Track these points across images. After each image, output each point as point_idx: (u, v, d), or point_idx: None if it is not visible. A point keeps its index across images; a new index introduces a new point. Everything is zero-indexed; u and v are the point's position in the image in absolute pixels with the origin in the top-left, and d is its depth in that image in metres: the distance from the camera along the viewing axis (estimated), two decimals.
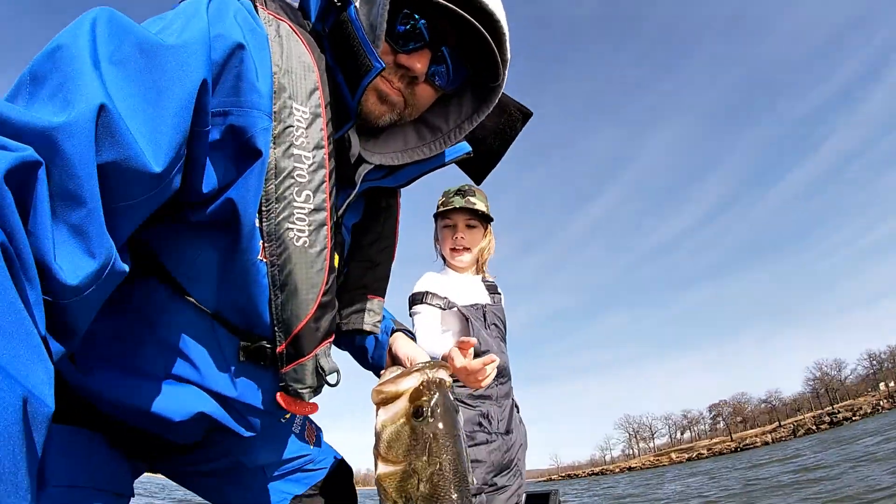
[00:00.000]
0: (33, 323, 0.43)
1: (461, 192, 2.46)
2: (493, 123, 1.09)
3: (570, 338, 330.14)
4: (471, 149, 1.01)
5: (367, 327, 1.02)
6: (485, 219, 2.45)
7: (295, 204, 0.79)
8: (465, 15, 0.80)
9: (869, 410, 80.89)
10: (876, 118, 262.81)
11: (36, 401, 0.38)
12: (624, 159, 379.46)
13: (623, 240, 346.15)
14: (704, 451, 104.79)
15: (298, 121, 0.78)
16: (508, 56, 0.88)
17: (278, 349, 0.86)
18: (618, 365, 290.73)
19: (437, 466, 0.75)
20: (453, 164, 1.05)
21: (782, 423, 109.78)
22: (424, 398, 0.78)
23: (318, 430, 1.29)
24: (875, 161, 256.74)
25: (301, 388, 0.90)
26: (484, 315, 2.34)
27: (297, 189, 0.79)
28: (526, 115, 1.11)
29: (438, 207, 2.52)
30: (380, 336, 1.19)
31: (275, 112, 0.75)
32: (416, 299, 2.28)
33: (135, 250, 0.77)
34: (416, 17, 0.83)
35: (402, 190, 1.09)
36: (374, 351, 1.21)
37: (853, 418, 79.01)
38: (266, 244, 0.79)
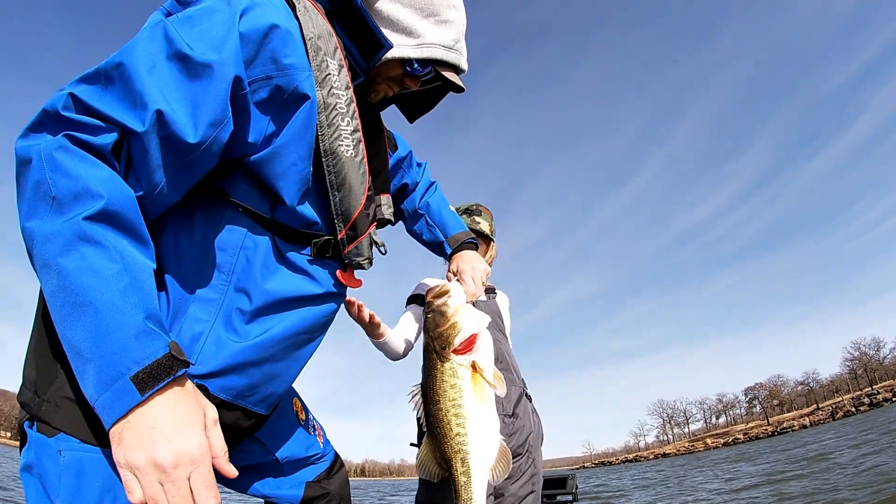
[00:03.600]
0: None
1: (468, 212, 2.61)
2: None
3: (602, 324, 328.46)
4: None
5: (386, 216, 1.36)
6: (488, 239, 2.58)
7: (342, 128, 1.08)
8: (447, 76, 1.22)
9: None
10: None
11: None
12: (654, 141, 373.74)
13: (654, 223, 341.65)
14: (740, 436, 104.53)
15: (332, 71, 1.07)
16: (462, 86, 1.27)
17: (339, 235, 1.14)
18: (651, 350, 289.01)
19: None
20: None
21: (820, 405, 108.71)
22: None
23: (322, 429, 1.64)
24: None
25: (362, 260, 1.21)
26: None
27: (340, 117, 1.08)
28: (458, 88, 1.33)
29: None
30: (421, 209, 1.74)
31: (317, 65, 1.04)
32: (410, 300, 2.47)
33: (220, 200, 1.04)
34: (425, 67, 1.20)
35: None
36: (427, 232, 1.76)
37: (893, 399, 78.23)
38: (325, 158, 1.07)
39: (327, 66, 1.05)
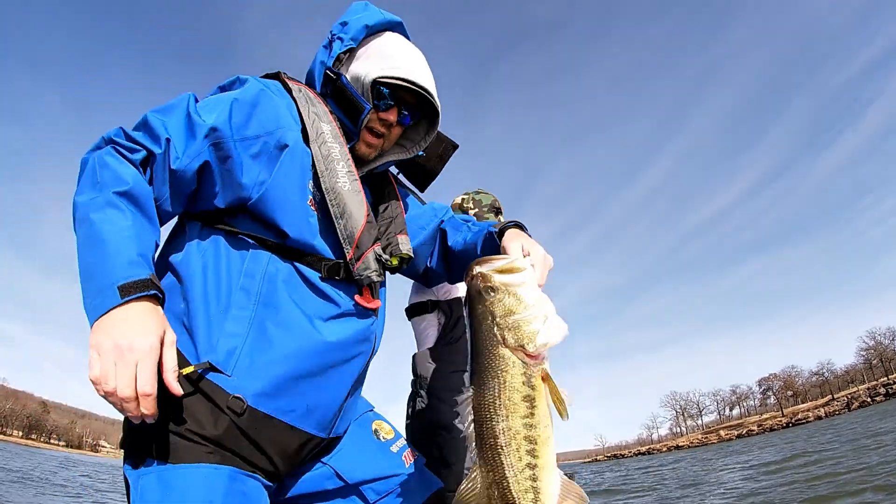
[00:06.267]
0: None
1: (475, 202, 2.71)
2: (433, 150, 1.66)
3: (616, 317, 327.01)
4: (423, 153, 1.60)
5: (404, 250, 1.45)
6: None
7: (338, 170, 1.32)
8: (414, 87, 1.39)
9: None
10: None
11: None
12: (668, 134, 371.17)
13: (668, 216, 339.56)
14: (754, 428, 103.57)
15: (325, 130, 1.36)
16: (439, 105, 1.47)
17: (348, 256, 1.32)
18: (664, 343, 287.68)
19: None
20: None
21: (835, 396, 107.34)
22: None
23: (416, 454, 1.56)
24: None
25: (370, 273, 1.33)
26: None
27: (336, 163, 1.33)
28: (454, 146, 1.69)
29: None
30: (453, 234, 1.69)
31: (311, 125, 1.34)
32: (415, 310, 2.46)
33: (235, 239, 1.30)
34: (386, 91, 1.40)
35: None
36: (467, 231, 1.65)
37: None
38: (327, 195, 1.30)
39: (321, 127, 1.35)
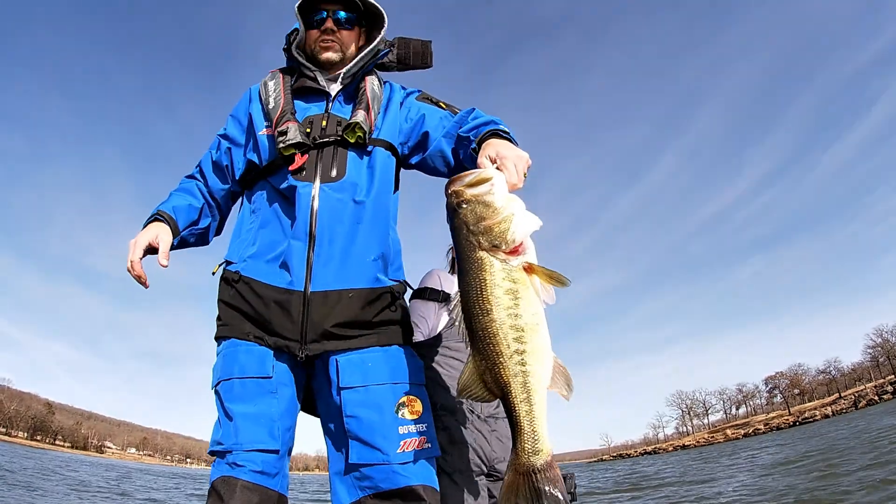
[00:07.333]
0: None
1: None
2: (403, 52, 2.01)
3: (621, 316, 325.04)
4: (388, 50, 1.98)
5: (354, 120, 1.77)
6: None
7: (271, 95, 1.83)
8: None
9: None
10: None
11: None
12: (672, 131, 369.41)
13: (673, 214, 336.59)
14: (761, 427, 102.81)
15: (269, 85, 1.88)
16: (381, 10, 1.85)
17: (272, 133, 1.79)
18: (670, 342, 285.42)
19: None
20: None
21: (842, 394, 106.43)
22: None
23: (429, 438, 1.61)
24: None
25: (289, 140, 1.70)
26: None
27: (271, 94, 1.84)
28: (423, 41, 2.03)
29: None
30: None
31: (264, 89, 1.89)
32: (414, 295, 2.47)
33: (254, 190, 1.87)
34: (311, 11, 1.85)
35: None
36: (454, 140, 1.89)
37: None
38: (271, 114, 1.81)
39: (269, 85, 1.88)
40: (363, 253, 1.68)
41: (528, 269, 1.21)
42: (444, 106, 1.92)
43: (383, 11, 1.85)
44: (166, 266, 1.72)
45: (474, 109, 1.80)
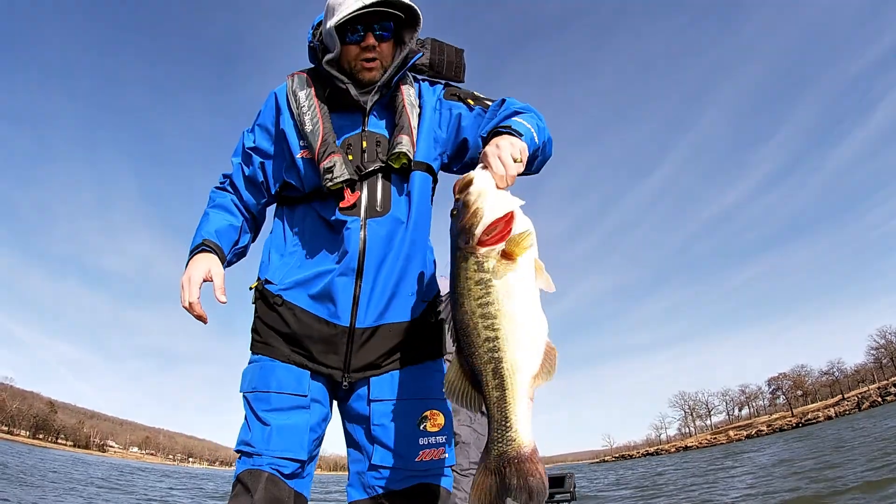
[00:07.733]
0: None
1: None
2: (438, 58, 1.92)
3: (625, 317, 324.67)
4: (422, 54, 1.89)
5: (399, 149, 1.69)
6: None
7: (306, 115, 1.74)
8: (365, 10, 1.61)
9: None
10: None
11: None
12: (677, 132, 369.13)
13: (678, 215, 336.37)
14: (764, 428, 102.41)
15: (300, 96, 1.78)
16: (418, 11, 1.70)
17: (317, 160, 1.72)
18: (673, 342, 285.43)
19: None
20: None
21: (846, 395, 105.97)
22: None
23: (446, 451, 1.66)
24: None
25: (336, 177, 1.63)
26: None
27: (304, 112, 1.75)
28: (458, 50, 1.95)
29: None
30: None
31: (293, 99, 1.79)
32: None
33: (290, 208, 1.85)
34: (348, 29, 1.69)
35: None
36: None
37: None
38: (308, 137, 1.71)
39: (299, 95, 1.79)
40: (407, 287, 1.72)
41: (508, 255, 1.19)
42: (472, 102, 1.85)
43: (419, 12, 1.72)
44: (225, 302, 1.70)
45: (504, 101, 1.75)
